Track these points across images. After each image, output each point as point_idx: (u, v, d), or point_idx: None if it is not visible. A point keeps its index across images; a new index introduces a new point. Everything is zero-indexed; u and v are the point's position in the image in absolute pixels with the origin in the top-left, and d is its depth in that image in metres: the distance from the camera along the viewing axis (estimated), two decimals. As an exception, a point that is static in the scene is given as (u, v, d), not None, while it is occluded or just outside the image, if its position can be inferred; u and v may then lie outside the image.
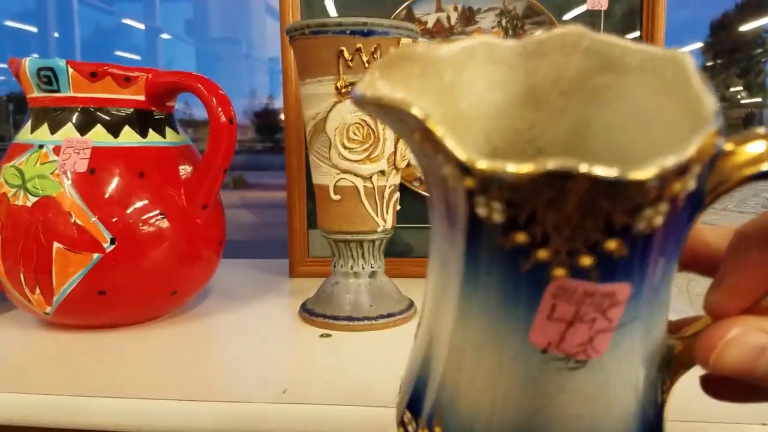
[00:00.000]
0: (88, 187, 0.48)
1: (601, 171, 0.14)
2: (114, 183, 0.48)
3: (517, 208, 0.16)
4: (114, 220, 0.47)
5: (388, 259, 0.67)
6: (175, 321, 0.54)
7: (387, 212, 0.52)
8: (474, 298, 0.19)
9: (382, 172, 0.50)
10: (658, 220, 0.16)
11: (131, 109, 0.51)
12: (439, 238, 0.21)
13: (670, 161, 0.15)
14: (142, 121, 0.51)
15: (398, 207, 0.55)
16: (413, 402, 0.23)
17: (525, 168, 0.15)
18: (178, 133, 0.54)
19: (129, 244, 0.48)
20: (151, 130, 0.51)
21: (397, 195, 0.54)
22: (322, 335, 0.50)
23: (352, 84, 0.47)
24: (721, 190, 0.18)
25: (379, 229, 0.52)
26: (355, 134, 0.48)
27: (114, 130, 0.50)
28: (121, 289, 0.48)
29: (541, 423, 0.20)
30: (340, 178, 0.50)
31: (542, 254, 0.17)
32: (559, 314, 0.18)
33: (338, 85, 0.47)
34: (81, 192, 0.47)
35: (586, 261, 0.17)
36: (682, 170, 0.15)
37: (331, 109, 0.48)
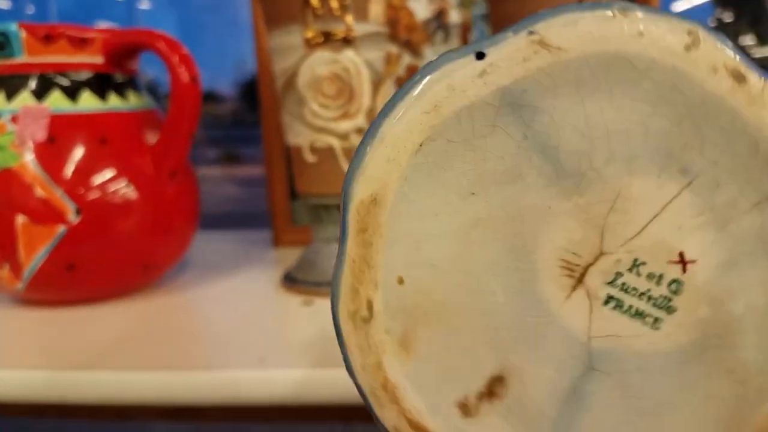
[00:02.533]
0: (48, 156, 0.45)
1: None
2: (75, 151, 0.46)
3: None
4: (78, 189, 0.45)
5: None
6: (152, 294, 0.52)
7: (367, 172, 0.50)
8: None
9: (360, 130, 0.47)
10: None
11: (90, 73, 0.48)
12: None
13: None
14: (101, 85, 0.48)
15: (379, 167, 0.52)
16: None
17: None
18: (141, 96, 0.51)
19: (95, 214, 0.45)
20: (112, 95, 0.48)
21: (378, 154, 0.51)
22: (303, 302, 0.48)
23: (322, 34, 0.44)
24: None
25: (360, 190, 0.50)
26: (328, 89, 0.45)
27: (73, 95, 0.47)
28: (90, 262, 0.46)
29: None
30: (316, 138, 0.47)
31: None
32: None
33: (307, 35, 0.44)
34: (41, 162, 0.45)
35: None
36: None
37: (300, 62, 0.45)
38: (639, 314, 0.15)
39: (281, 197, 0.67)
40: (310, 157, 0.48)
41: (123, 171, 0.47)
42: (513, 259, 0.15)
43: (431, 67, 0.14)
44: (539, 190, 0.15)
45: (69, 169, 0.45)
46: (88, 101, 0.47)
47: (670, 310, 0.15)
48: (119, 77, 0.49)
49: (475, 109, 0.14)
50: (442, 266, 0.15)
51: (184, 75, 0.46)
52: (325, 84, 0.45)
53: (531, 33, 0.14)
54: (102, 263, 0.46)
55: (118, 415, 0.45)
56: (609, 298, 0.15)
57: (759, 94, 0.14)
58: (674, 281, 0.15)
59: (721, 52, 0.14)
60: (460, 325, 0.15)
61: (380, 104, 0.48)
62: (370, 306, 0.15)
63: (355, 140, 0.47)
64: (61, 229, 0.45)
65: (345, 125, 0.46)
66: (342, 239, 0.15)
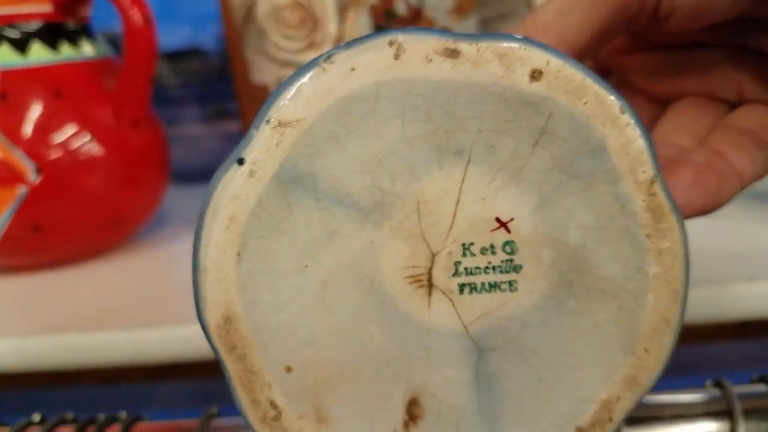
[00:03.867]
0: (1, 114, 0.42)
1: None
2: (29, 107, 0.43)
3: None
4: (35, 147, 0.42)
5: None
6: (127, 253, 0.50)
7: (341, 108, 0.47)
8: None
9: (329, 62, 0.45)
10: None
11: (39, 22, 0.45)
12: None
13: None
14: (52, 35, 0.45)
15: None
16: None
17: None
18: (96, 45, 0.48)
19: (56, 172, 0.43)
20: (64, 44, 0.45)
21: (351, 88, 0.48)
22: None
23: (277, -40, 0.41)
24: None
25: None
26: (290, 18, 0.42)
27: (21, 47, 0.44)
28: (56, 222, 0.44)
29: None
30: (282, 75, 0.44)
31: None
32: None
33: (261, -38, 0.41)
34: (-6, 121, 0.42)
35: None
36: None
37: (258, -7, 0.42)
38: (493, 286, 0.16)
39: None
40: (278, 96, 0.45)
41: (82, 124, 0.44)
42: (369, 297, 0.16)
43: (211, 186, 0.15)
44: (356, 234, 0.16)
45: (25, 127, 0.43)
46: (38, 53, 0.44)
47: (517, 269, 0.16)
48: (71, 25, 0.46)
49: (263, 202, 0.15)
50: (318, 338, 0.16)
51: (136, 16, 0.43)
52: (286, 13, 0.42)
53: (268, 122, 0.15)
54: (69, 222, 0.44)
55: (102, 379, 0.43)
56: (462, 286, 0.16)
57: (477, 57, 0.15)
58: (505, 243, 0.16)
59: (426, 42, 0.15)
60: (359, 377, 0.16)
61: (349, 32, 0.45)
62: (273, 405, 0.16)
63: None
64: (21, 190, 0.42)
65: (312, 56, 0.43)
66: (221, 364, 0.16)
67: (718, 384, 0.26)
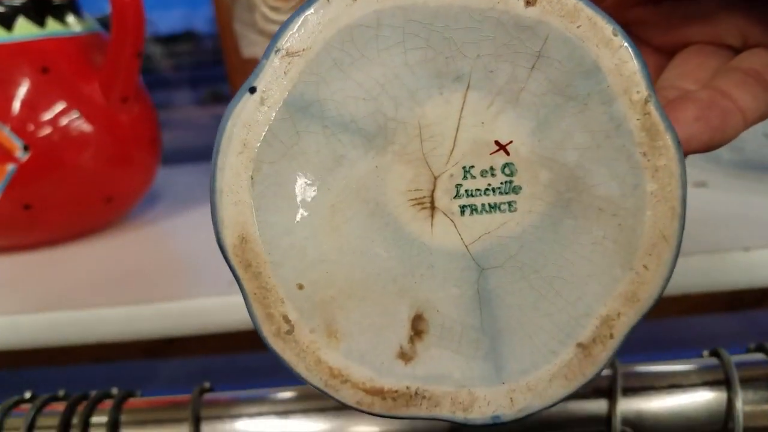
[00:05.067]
0: (-13, 91, 0.42)
1: None
2: (16, 83, 0.42)
3: None
4: (23, 124, 0.42)
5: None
6: (120, 230, 0.50)
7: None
8: None
9: (319, 35, 0.44)
10: None
11: (24, -2, 0.44)
12: None
13: None
14: (38, 10, 0.44)
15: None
16: None
17: None
18: (83, 20, 0.47)
19: (45, 149, 0.43)
20: (50, 19, 0.45)
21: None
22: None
23: (264, -71, 0.40)
24: None
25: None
26: (277, -9, 0.42)
27: (7, 23, 0.43)
28: (47, 200, 0.44)
29: None
30: (272, 48, 0.44)
31: None
32: None
33: (248, -68, 0.40)
34: (-20, 98, 0.42)
35: None
36: None
37: (246, -35, 0.42)
38: (493, 207, 0.17)
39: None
40: (268, 70, 0.45)
41: (70, 100, 0.43)
42: (375, 219, 0.17)
43: (226, 116, 0.16)
44: (361, 159, 0.16)
45: (12, 104, 0.42)
46: (24, 28, 0.44)
47: (516, 190, 0.17)
48: (57, 0, 0.46)
49: (274, 129, 0.16)
50: (328, 257, 0.17)
51: (122, -10, 0.42)
52: (273, -15, 0.41)
53: (277, 52, 0.16)
54: (60, 200, 0.44)
55: (96, 358, 0.43)
56: (463, 208, 0.17)
57: None
58: (505, 165, 0.16)
59: None
60: (366, 294, 0.17)
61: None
62: (287, 320, 0.17)
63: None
64: (10, 167, 0.42)
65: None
66: (237, 281, 0.17)
67: (715, 353, 0.26)
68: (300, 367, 0.17)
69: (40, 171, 0.43)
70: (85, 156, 0.44)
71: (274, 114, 0.16)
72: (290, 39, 0.16)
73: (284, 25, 0.16)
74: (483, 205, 0.17)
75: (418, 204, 0.17)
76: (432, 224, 0.17)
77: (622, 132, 0.16)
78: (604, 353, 0.17)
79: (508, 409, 0.17)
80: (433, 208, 0.17)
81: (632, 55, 0.16)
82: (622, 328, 0.17)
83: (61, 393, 0.28)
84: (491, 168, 0.17)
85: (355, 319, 0.17)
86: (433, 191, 0.17)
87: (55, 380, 0.54)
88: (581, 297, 0.17)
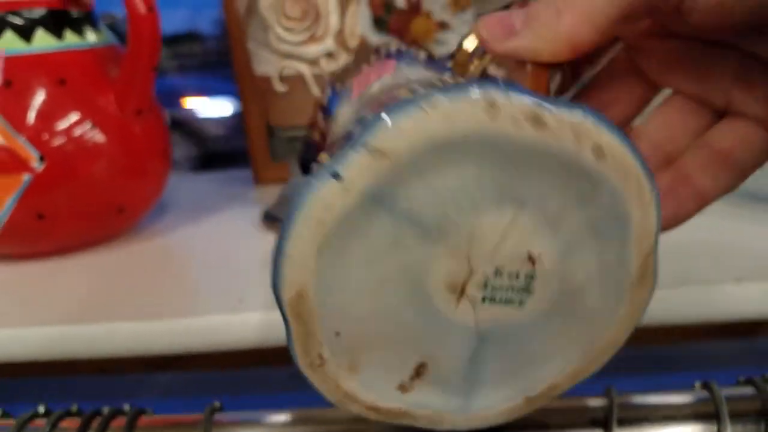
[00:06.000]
0: (5, 101, 0.43)
1: None
2: (34, 94, 0.43)
3: None
4: (40, 135, 0.43)
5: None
6: (129, 241, 0.50)
7: (342, 100, 0.48)
8: None
9: (330, 55, 0.45)
10: None
11: (43, 10, 0.45)
12: None
13: None
14: (56, 22, 0.45)
15: (355, 94, 0.50)
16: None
17: None
18: (100, 32, 0.48)
19: (60, 160, 0.43)
20: (68, 32, 0.46)
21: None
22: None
23: (281, -48, 0.42)
24: None
25: (336, 120, 0.48)
26: (291, 11, 0.43)
27: (26, 34, 0.44)
28: (60, 210, 0.45)
29: None
30: (284, 66, 0.45)
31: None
32: None
33: (265, -46, 0.41)
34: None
35: None
36: None
37: (262, -15, 0.43)
38: (509, 301, 0.20)
39: (259, 134, 0.64)
40: (280, 87, 0.46)
41: (86, 112, 0.44)
42: (414, 295, 0.20)
43: (304, 193, 0.18)
44: (417, 247, 0.19)
45: (29, 114, 0.43)
46: (43, 40, 0.45)
47: (529, 292, 0.20)
48: (75, 13, 0.47)
49: (349, 213, 0.18)
50: (365, 316, 0.20)
51: (139, 5, 0.43)
52: (288, 5, 0.42)
53: (365, 146, 0.17)
54: (73, 210, 0.45)
55: (100, 369, 0.44)
56: (484, 298, 0.20)
57: (557, 129, 0.17)
58: (528, 274, 0.20)
59: (520, 105, 0.17)
60: (388, 345, 0.21)
61: (350, 24, 0.45)
62: (320, 357, 0.20)
63: (325, 65, 0.45)
64: (25, 177, 0.43)
65: (313, 49, 0.44)
66: (285, 324, 0.20)
67: (705, 386, 0.27)
68: (322, 389, 0.21)
69: (55, 181, 0.43)
70: (98, 167, 0.45)
71: (352, 200, 0.18)
72: (382, 138, 0.17)
73: (376, 120, 0.17)
74: (501, 298, 0.20)
75: (452, 289, 0.20)
76: (457, 305, 0.20)
77: (623, 269, 0.20)
78: (541, 403, 0.23)
79: (464, 426, 0.23)
80: (462, 293, 0.20)
81: (655, 213, 0.19)
82: (562, 390, 0.22)
83: (73, 408, 0.29)
84: (518, 272, 0.20)
85: (373, 361, 0.21)
86: (466, 282, 0.20)
87: (57, 390, 0.54)
88: (543, 369, 0.22)
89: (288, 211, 0.18)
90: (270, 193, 0.61)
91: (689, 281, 0.34)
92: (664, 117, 0.24)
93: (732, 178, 0.23)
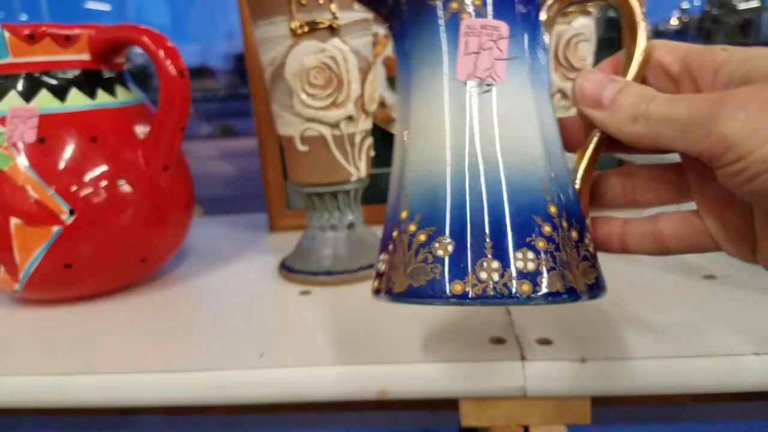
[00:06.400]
0: (39, 157, 0.45)
1: None
2: (66, 151, 0.45)
3: None
4: (70, 189, 0.45)
5: (369, 206, 0.65)
6: (150, 288, 0.52)
7: (360, 160, 0.50)
8: (416, 65, 0.28)
9: (351, 118, 0.47)
10: None
11: (77, 70, 0.47)
12: (399, 66, 0.29)
13: None
14: (89, 82, 0.48)
15: (372, 153, 0.52)
16: (383, 239, 0.29)
17: None
18: (130, 91, 0.51)
19: (89, 213, 0.45)
20: (100, 91, 0.48)
21: (370, 140, 0.51)
22: (301, 292, 0.49)
23: (307, 24, 0.44)
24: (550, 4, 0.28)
25: (353, 179, 0.50)
26: (316, 79, 0.45)
27: (60, 94, 0.46)
28: (87, 260, 0.46)
29: (473, 147, 0.26)
30: (306, 128, 0.47)
31: (453, 5, 0.27)
32: (471, 47, 0.27)
33: (292, 25, 0.44)
34: (33, 163, 0.44)
35: (477, 2, 0.27)
36: None
37: (287, 53, 0.45)
38: None
39: (276, 184, 0.67)
40: (301, 147, 0.48)
41: (115, 168, 0.46)
42: None
43: None
44: None
45: (61, 169, 0.45)
46: (76, 99, 0.47)
47: None
48: (107, 73, 0.49)
49: None
50: None
51: (171, 68, 0.46)
52: (312, 74, 0.45)
53: None
54: (99, 260, 0.47)
55: (121, 412, 0.45)
56: None
57: None
58: None
59: None
60: None
61: (369, 91, 0.48)
62: None
63: (345, 128, 0.47)
64: (55, 229, 0.45)
65: (335, 114, 0.46)
66: None
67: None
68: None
69: (83, 233, 0.45)
70: (125, 220, 0.47)
71: None
72: None
73: None
74: None
75: None
76: None
77: None
78: None
79: None
80: None
81: None
82: None
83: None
84: None
85: None
86: None
87: (75, 426, 0.55)
88: None
89: None
90: (283, 241, 0.63)
91: (706, 353, 0.34)
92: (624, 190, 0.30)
93: (655, 251, 0.28)
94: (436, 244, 0.26)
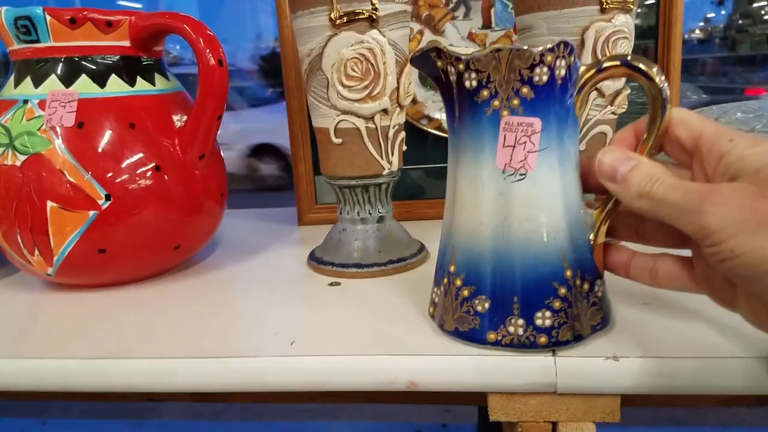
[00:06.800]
0: (77, 141, 0.45)
1: (512, 46, 0.31)
2: (104, 136, 0.46)
3: (480, 74, 0.32)
4: (107, 175, 0.45)
5: (398, 202, 0.65)
6: (182, 275, 0.52)
7: (392, 154, 0.50)
8: (463, 146, 0.34)
9: (385, 111, 0.47)
10: (544, 78, 0.32)
11: (117, 56, 0.48)
12: (450, 136, 0.36)
13: (538, 49, 0.31)
14: (129, 69, 0.48)
15: (404, 147, 0.52)
16: (438, 275, 0.38)
17: (483, 51, 0.31)
18: (168, 79, 0.51)
19: (125, 199, 0.46)
20: (139, 78, 0.48)
21: (403, 135, 0.51)
22: (330, 284, 0.49)
23: (347, 14, 0.44)
24: (581, 84, 0.33)
25: (385, 172, 0.50)
26: (353, 70, 0.45)
27: (100, 79, 0.47)
28: (121, 246, 0.47)
29: (507, 226, 0.33)
30: (341, 120, 0.47)
31: (495, 103, 0.32)
32: (508, 142, 0.32)
33: (332, 16, 0.44)
34: (71, 148, 0.45)
35: (515, 102, 0.32)
36: (543, 55, 0.31)
37: (326, 44, 0.45)
38: None
39: (306, 177, 0.67)
40: (335, 139, 0.48)
41: (152, 155, 0.47)
42: None
43: None
44: None
45: (98, 155, 0.45)
46: (116, 85, 0.47)
47: None
48: (146, 60, 0.50)
49: None
50: None
51: (210, 58, 0.46)
52: (350, 65, 0.45)
53: None
54: (133, 247, 0.47)
55: (149, 398, 0.46)
56: None
57: None
58: None
59: None
60: None
61: (404, 84, 0.47)
62: None
63: (380, 121, 0.47)
64: (91, 214, 0.45)
65: (370, 106, 0.46)
66: None
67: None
68: None
69: (118, 219, 0.46)
70: (159, 207, 0.47)
71: None
72: None
73: None
74: None
75: None
76: None
77: None
78: None
79: None
80: None
81: None
82: None
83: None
84: None
85: None
86: None
87: (104, 411, 0.56)
88: None
89: None
90: (312, 234, 0.63)
91: (741, 354, 0.34)
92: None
93: (649, 283, 0.34)
94: (476, 301, 0.34)
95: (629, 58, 0.32)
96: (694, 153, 0.31)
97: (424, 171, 0.67)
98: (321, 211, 0.68)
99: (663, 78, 0.31)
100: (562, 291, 0.34)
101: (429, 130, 0.66)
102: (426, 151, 0.67)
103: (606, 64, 0.32)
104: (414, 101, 0.65)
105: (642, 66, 0.31)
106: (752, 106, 0.53)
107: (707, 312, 0.39)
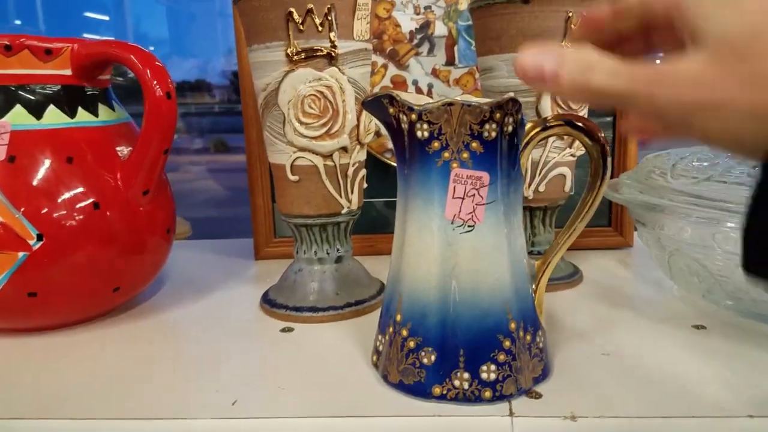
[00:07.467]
0: (7, 177, 0.42)
1: (463, 99, 0.31)
2: (38, 171, 0.42)
3: (432, 125, 0.32)
4: (40, 212, 0.42)
5: (360, 236, 0.62)
6: (121, 318, 0.49)
7: (352, 192, 0.47)
8: (413, 193, 0.34)
9: (345, 149, 0.45)
10: (493, 134, 0.32)
11: (57, 86, 0.44)
12: (400, 182, 0.35)
13: (487, 105, 0.31)
14: (70, 99, 0.45)
15: (365, 185, 0.49)
16: (383, 322, 0.37)
17: (436, 103, 0.32)
18: (114, 110, 0.48)
19: (59, 239, 0.42)
20: (80, 109, 0.45)
21: (363, 172, 0.48)
22: (283, 329, 0.46)
23: (304, 50, 0.41)
24: (527, 140, 0.34)
25: (344, 211, 0.47)
26: (311, 107, 0.42)
27: (37, 110, 0.43)
28: (54, 289, 0.43)
29: (455, 276, 0.33)
30: (298, 157, 0.44)
31: (446, 154, 0.33)
32: (457, 194, 0.33)
33: (288, 51, 0.41)
34: (0, 183, 0.41)
35: (465, 155, 0.32)
36: (492, 111, 0.32)
37: (282, 80, 0.42)
38: None
39: (264, 210, 0.64)
40: (292, 177, 0.45)
41: (91, 191, 0.43)
42: None
43: None
44: None
45: (31, 191, 0.42)
46: (54, 116, 0.44)
47: None
48: (90, 90, 0.46)
49: None
50: None
51: (157, 90, 0.43)
52: (307, 102, 0.42)
53: None
54: (67, 290, 0.44)
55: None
56: None
57: None
58: None
59: None
60: None
61: (364, 122, 0.45)
62: None
63: (339, 159, 0.44)
64: (20, 255, 0.41)
65: (329, 144, 0.43)
66: None
67: None
68: None
69: (51, 260, 0.42)
70: (98, 247, 0.44)
71: None
72: None
73: None
74: None
75: None
76: None
77: None
78: None
79: None
80: None
81: None
82: None
83: None
84: None
85: None
86: None
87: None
88: None
89: None
90: (268, 270, 0.60)
91: (700, 413, 0.33)
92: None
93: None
94: (422, 353, 0.34)
95: (573, 118, 0.33)
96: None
97: (389, 204, 0.65)
98: (280, 245, 0.65)
99: (604, 137, 0.33)
100: (507, 344, 0.34)
101: (392, 163, 0.64)
102: (390, 183, 0.64)
103: (551, 123, 0.33)
104: (378, 134, 0.62)
105: (584, 126, 0.33)
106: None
107: (667, 366, 0.38)
